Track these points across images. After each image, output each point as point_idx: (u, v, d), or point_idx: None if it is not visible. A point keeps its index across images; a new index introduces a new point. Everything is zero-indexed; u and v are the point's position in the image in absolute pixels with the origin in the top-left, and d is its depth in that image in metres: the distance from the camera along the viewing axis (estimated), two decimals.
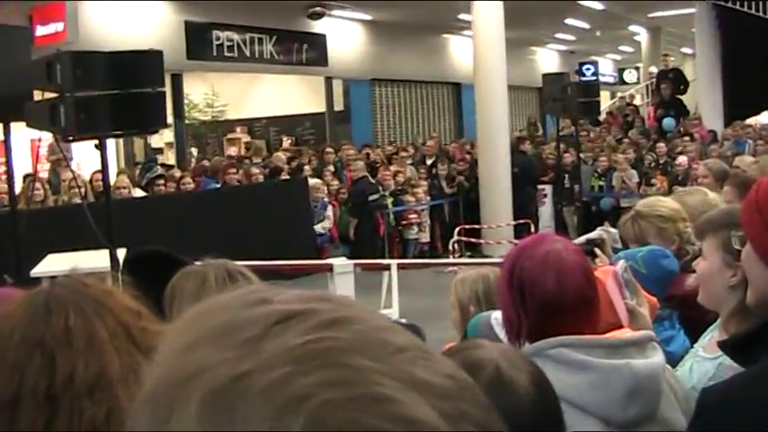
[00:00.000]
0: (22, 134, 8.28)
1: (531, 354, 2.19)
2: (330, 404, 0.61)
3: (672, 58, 23.34)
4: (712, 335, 2.87)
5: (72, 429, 1.51)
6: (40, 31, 14.44)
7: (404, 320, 2.80)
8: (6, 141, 6.98)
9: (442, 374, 0.66)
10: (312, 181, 14.66)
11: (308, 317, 0.67)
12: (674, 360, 2.91)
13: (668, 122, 18.80)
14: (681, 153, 15.91)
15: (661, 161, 16.36)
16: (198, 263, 2.86)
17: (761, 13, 18.13)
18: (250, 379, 0.63)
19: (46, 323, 1.63)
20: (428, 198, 16.54)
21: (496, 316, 3.05)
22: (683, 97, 20.60)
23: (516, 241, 14.77)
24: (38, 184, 11.02)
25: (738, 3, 18.15)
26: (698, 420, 1.94)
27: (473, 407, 0.67)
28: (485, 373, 1.67)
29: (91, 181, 11.88)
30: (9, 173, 7.29)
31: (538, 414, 1.69)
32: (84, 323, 1.63)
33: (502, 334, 2.40)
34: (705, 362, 2.79)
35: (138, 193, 12.93)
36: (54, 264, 8.27)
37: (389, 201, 15.53)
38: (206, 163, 16.95)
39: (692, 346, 3.08)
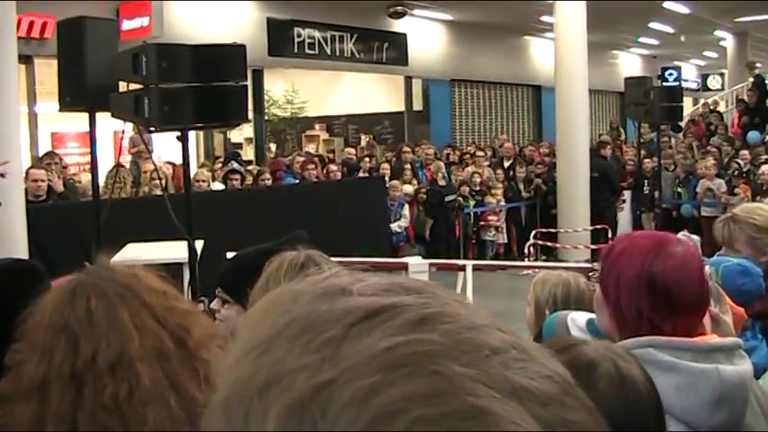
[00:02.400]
0: (105, 126, 8.42)
1: None
2: (423, 420, 0.56)
3: (759, 65, 22.83)
4: None
5: (96, 406, 1.56)
6: (126, 25, 14.69)
7: None
8: (92, 132, 7.10)
9: (541, 377, 0.62)
10: (392, 182, 14.71)
11: (392, 314, 0.62)
12: (756, 371, 2.83)
13: (753, 135, 18.37)
14: (765, 162, 15.54)
15: (745, 170, 16.02)
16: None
17: None
18: (333, 389, 0.58)
19: (70, 308, 1.69)
20: (504, 200, 16.44)
21: (573, 317, 3.00)
22: None
23: (593, 246, 14.69)
24: (121, 176, 11.23)
25: None
26: None
27: (576, 412, 0.62)
28: (603, 371, 1.65)
29: (173, 175, 12.07)
30: (93, 164, 7.42)
31: (655, 407, 1.67)
32: (106, 306, 1.69)
33: (579, 336, 2.35)
34: None
35: (217, 186, 13.07)
36: (133, 253, 8.41)
37: (471, 203, 15.48)
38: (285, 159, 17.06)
39: None
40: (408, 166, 15.87)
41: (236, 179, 13.20)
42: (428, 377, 0.58)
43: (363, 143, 22.78)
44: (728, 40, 28.51)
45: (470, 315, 0.65)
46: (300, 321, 0.64)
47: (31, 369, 1.65)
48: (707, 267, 2.69)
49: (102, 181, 9.59)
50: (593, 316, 2.98)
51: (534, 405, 0.59)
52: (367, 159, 16.34)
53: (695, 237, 4.11)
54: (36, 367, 1.65)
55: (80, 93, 6.80)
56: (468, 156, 17.46)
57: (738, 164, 16.24)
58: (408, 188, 14.99)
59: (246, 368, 0.63)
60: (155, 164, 10.35)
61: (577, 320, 2.94)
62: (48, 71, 12.65)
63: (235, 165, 14.03)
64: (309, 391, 0.58)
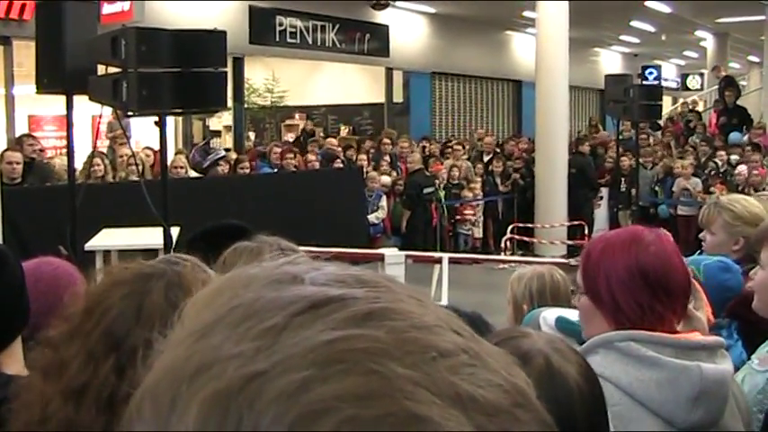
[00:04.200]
0: (83, 110, 8.36)
1: (599, 344, 2.14)
2: (353, 421, 0.52)
3: (737, 66, 22.97)
4: None
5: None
6: (107, 9, 14.57)
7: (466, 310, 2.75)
8: (68, 115, 7.05)
9: (491, 386, 0.58)
10: (371, 174, 14.70)
11: (338, 306, 0.59)
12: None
13: (735, 136, 18.47)
14: (741, 162, 15.64)
15: (722, 169, 16.11)
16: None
17: None
18: (263, 381, 0.55)
19: (132, 329, 1.65)
20: (482, 194, 16.47)
21: (545, 315, 3.00)
22: (747, 105, 20.27)
23: (570, 242, 14.75)
24: (98, 160, 11.15)
25: None
26: None
27: (527, 425, 0.59)
28: (534, 364, 1.64)
29: (154, 162, 12.02)
30: (69, 147, 7.37)
31: (587, 406, 1.66)
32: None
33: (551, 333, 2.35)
34: (756, 375, 2.75)
35: (193, 174, 13.02)
36: (108, 238, 8.37)
37: (442, 194, 15.49)
38: (261, 148, 17.04)
39: (749, 357, 3.02)
40: (387, 157, 15.87)
41: (224, 168, 13.23)
42: (365, 376, 0.54)
43: (344, 133, 22.76)
44: (709, 41, 28.64)
45: (422, 314, 0.61)
46: (245, 307, 0.61)
47: (76, 367, 1.64)
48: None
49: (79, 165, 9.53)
50: (563, 312, 2.98)
51: (479, 415, 0.56)
52: (352, 150, 16.32)
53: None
54: (79, 370, 1.63)
55: (58, 75, 6.75)
56: (449, 149, 17.46)
57: (716, 163, 16.33)
58: (386, 179, 14.99)
59: (182, 352, 0.60)
60: (131, 149, 10.30)
61: (548, 318, 2.95)
62: (26, 53, 12.54)
63: (223, 152, 14.01)
64: (239, 381, 0.55)
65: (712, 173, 16.03)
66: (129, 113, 6.71)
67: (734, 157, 16.15)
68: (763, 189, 12.46)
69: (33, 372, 1.73)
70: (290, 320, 0.58)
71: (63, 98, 6.93)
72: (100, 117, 7.48)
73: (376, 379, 0.54)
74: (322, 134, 21.36)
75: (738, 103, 20.12)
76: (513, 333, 1.86)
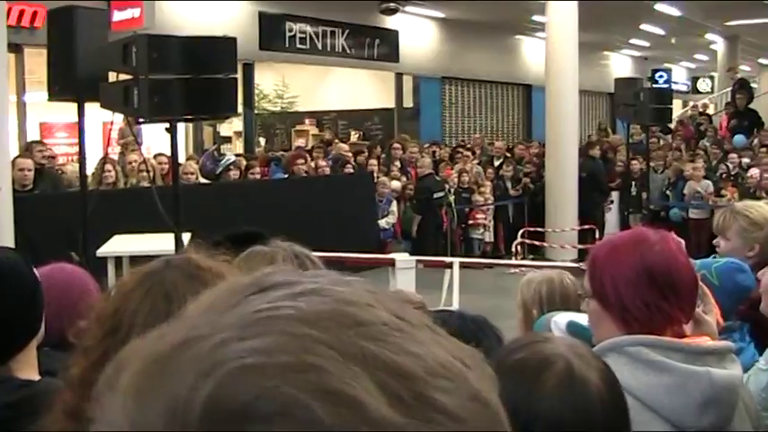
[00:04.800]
0: (94, 116, 8.40)
1: (609, 349, 2.14)
2: (247, 369, 0.58)
3: (747, 69, 22.91)
4: None
5: None
6: (117, 16, 14.59)
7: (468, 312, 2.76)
8: (80, 122, 7.09)
9: (407, 353, 0.61)
10: (381, 179, 14.70)
11: (283, 287, 0.66)
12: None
13: (739, 139, 18.44)
14: (753, 165, 15.61)
15: (733, 172, 16.08)
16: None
17: None
18: (194, 343, 0.61)
19: (166, 313, 1.67)
20: (493, 198, 16.46)
21: (556, 319, 2.99)
22: (758, 108, 20.21)
23: (581, 246, 14.72)
24: (109, 166, 11.19)
25: None
26: None
27: (450, 395, 0.61)
28: (555, 369, 1.63)
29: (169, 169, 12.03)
30: (81, 154, 7.40)
31: (607, 411, 1.65)
32: None
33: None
34: (761, 374, 2.76)
35: (202, 180, 13.04)
36: (119, 245, 8.40)
37: (452, 198, 15.48)
38: (275, 153, 17.05)
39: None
40: (398, 162, 15.87)
41: (235, 173, 13.26)
42: (274, 335, 0.60)
43: (354, 138, 22.78)
44: (719, 44, 28.56)
45: (358, 293, 0.66)
46: (217, 296, 0.68)
47: None
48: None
49: (90, 172, 9.56)
50: (574, 317, 2.98)
51: (382, 374, 0.59)
52: (364, 155, 16.30)
53: (681, 240, 4.14)
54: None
55: (69, 82, 6.79)
56: (459, 154, 17.46)
57: (727, 166, 16.30)
58: (396, 184, 14.98)
59: (154, 331, 0.66)
60: (143, 155, 10.33)
61: (559, 323, 2.94)
62: (37, 60, 12.59)
63: (233, 157, 14.02)
64: (178, 342, 0.62)
65: (723, 176, 16.00)
66: (141, 120, 6.74)
67: (746, 161, 16.12)
68: None
69: (67, 383, 1.74)
70: (243, 299, 0.65)
71: (74, 105, 6.96)
72: (111, 124, 7.51)
73: (284, 338, 0.60)
74: (335, 140, 21.38)
75: (749, 105, 20.09)
76: (535, 338, 1.87)
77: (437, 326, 0.68)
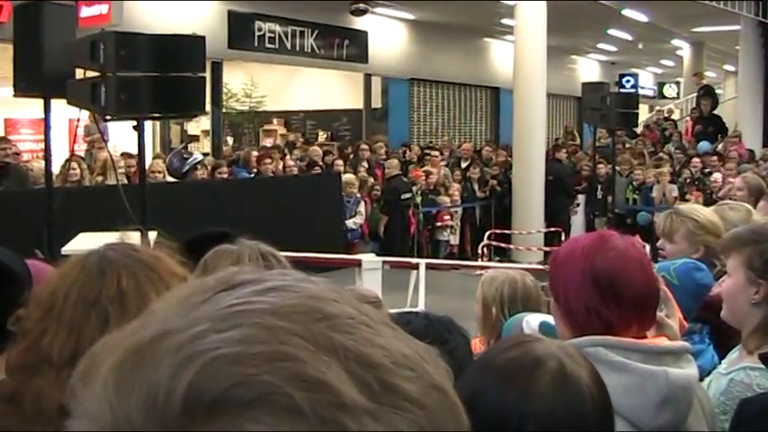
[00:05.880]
0: (60, 113, 8.34)
1: None
2: (226, 358, 0.60)
3: (712, 75, 23.14)
4: (739, 352, 2.86)
5: None
6: (85, 12, 14.51)
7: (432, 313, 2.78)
8: (46, 119, 7.03)
9: (373, 345, 0.65)
10: (346, 176, 14.68)
11: (252, 284, 0.68)
12: (701, 375, 2.89)
13: (703, 145, 18.64)
14: (716, 170, 15.78)
15: (696, 177, 16.24)
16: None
17: None
18: (170, 336, 0.63)
19: (100, 284, 1.69)
20: (460, 200, 16.50)
21: (528, 319, 3.02)
22: (723, 114, 20.45)
23: (547, 249, 14.80)
24: (74, 164, 11.10)
25: None
26: (740, 429, 1.93)
27: (412, 382, 0.64)
28: (547, 368, 1.65)
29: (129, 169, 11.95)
30: (47, 150, 7.35)
31: (598, 410, 1.68)
32: (136, 286, 1.71)
33: None
34: (721, 378, 2.80)
35: (169, 179, 12.98)
36: (85, 242, 8.33)
37: (419, 200, 15.50)
38: (239, 153, 17.00)
39: (720, 361, 3.06)
40: (365, 163, 15.88)
41: (202, 172, 13.20)
42: (249, 327, 0.63)
43: (322, 139, 22.78)
44: (685, 50, 28.84)
45: (323, 290, 0.69)
46: (186, 293, 0.70)
47: (58, 342, 1.67)
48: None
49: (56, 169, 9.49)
50: (546, 318, 3.01)
51: (352, 363, 0.62)
52: (332, 155, 16.31)
53: (646, 245, 4.20)
54: (65, 342, 1.66)
55: (36, 78, 6.73)
56: (427, 156, 17.50)
57: (690, 171, 16.47)
58: (349, 176, 14.85)
59: (127, 326, 0.69)
60: (109, 153, 10.27)
61: (531, 323, 2.97)
62: (3, 56, 12.47)
63: (200, 156, 13.97)
64: (153, 335, 0.64)
65: (687, 180, 16.16)
66: (108, 118, 6.70)
67: (701, 169, 16.30)
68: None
69: (7, 370, 1.74)
70: (212, 296, 0.67)
71: (40, 101, 6.91)
72: (77, 121, 7.46)
73: (258, 329, 0.63)
74: (301, 139, 21.38)
75: (714, 111, 20.31)
76: (525, 338, 1.88)
77: (395, 324, 0.71)
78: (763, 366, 2.67)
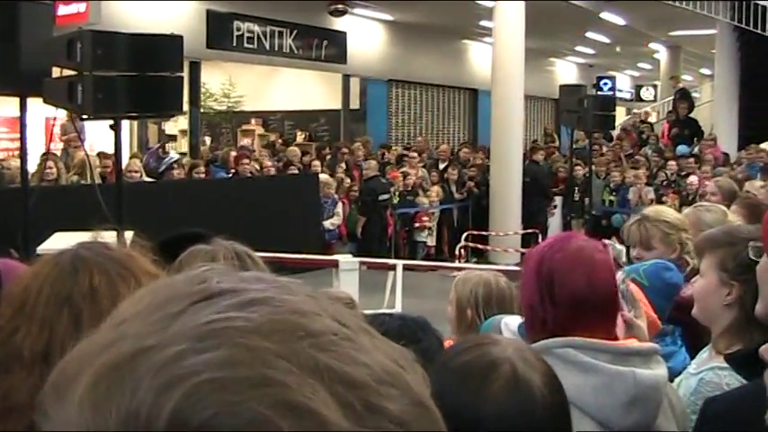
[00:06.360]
0: (37, 112, 8.29)
1: (539, 351, 2.19)
2: (210, 384, 0.59)
3: (689, 78, 23.29)
4: (709, 352, 2.89)
5: None
6: (63, 10, 14.44)
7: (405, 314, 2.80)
8: (22, 117, 7.00)
9: (357, 363, 0.64)
10: (323, 177, 14.68)
11: (230, 296, 0.66)
12: (672, 376, 2.92)
13: (682, 149, 18.76)
14: (692, 173, 15.88)
15: (672, 179, 16.34)
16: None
17: None
18: (147, 355, 0.61)
19: (73, 281, 1.70)
20: (438, 202, 16.52)
21: (507, 321, 3.04)
22: (699, 117, 20.59)
23: (523, 250, 14.83)
24: (51, 163, 11.05)
25: (760, 26, 18.10)
26: (703, 428, 1.95)
27: (395, 401, 0.64)
28: (501, 371, 1.67)
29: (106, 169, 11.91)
30: (23, 149, 7.31)
31: (550, 413, 1.70)
32: (108, 283, 1.71)
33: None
34: (691, 378, 2.83)
35: (147, 178, 12.94)
36: (60, 242, 8.29)
37: (396, 200, 15.51)
38: (217, 153, 16.98)
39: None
40: (344, 164, 15.89)
41: (179, 172, 13.17)
42: (231, 348, 0.61)
43: (300, 139, 22.77)
44: (662, 53, 29.02)
45: (304, 303, 0.68)
46: (157, 301, 0.67)
47: (30, 339, 1.67)
48: (619, 273, 2.77)
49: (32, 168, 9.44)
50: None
51: (336, 385, 0.61)
52: (309, 156, 16.31)
53: (619, 246, 4.23)
54: (37, 338, 1.66)
55: (12, 76, 6.68)
56: (405, 157, 17.52)
57: (665, 174, 16.56)
58: (324, 176, 14.83)
59: (97, 336, 0.67)
60: (86, 152, 10.23)
61: (510, 325, 2.99)
62: None
63: (176, 155, 13.93)
64: (129, 353, 0.62)
65: (664, 183, 16.26)
66: (85, 117, 6.67)
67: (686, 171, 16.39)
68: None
69: None
70: (188, 308, 0.65)
71: (17, 100, 6.87)
72: (54, 119, 7.43)
73: (241, 350, 0.61)
74: (280, 140, 21.37)
75: (690, 115, 20.45)
76: (483, 340, 1.89)
77: (371, 326, 0.71)
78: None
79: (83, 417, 0.61)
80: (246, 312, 0.64)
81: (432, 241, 16.34)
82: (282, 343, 0.62)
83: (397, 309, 9.14)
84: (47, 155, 11.36)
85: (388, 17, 22.86)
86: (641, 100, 32.03)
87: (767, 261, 2.22)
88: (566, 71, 32.84)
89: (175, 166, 13.37)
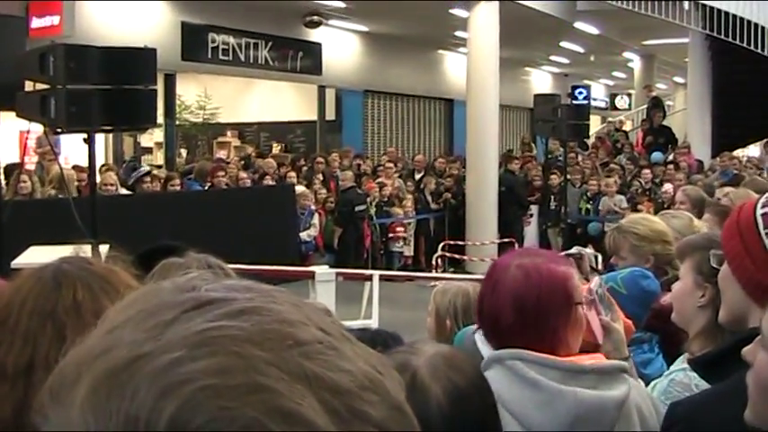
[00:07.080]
0: (10, 125, 8.25)
1: (493, 360, 2.21)
2: (206, 390, 0.62)
3: (663, 87, 23.44)
4: (683, 356, 2.91)
5: None
6: (36, 23, 14.39)
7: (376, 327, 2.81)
8: None
9: (341, 371, 0.67)
10: (299, 188, 14.67)
11: (221, 305, 0.69)
12: (648, 384, 2.94)
13: (656, 156, 18.89)
14: (667, 180, 15.98)
15: (647, 187, 16.44)
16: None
17: (753, 47, 18.24)
18: (145, 361, 0.64)
19: (56, 296, 1.70)
20: (414, 212, 16.54)
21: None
22: (673, 125, 20.73)
23: None
24: (24, 176, 10.98)
25: (731, 35, 18.26)
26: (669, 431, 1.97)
27: (373, 405, 0.68)
28: (404, 377, 1.68)
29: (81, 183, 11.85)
30: None
31: (448, 426, 1.70)
32: (92, 298, 1.72)
33: (484, 349, 2.40)
34: (664, 379, 2.85)
35: (124, 191, 12.89)
36: (35, 256, 8.23)
37: (373, 211, 15.53)
38: (192, 165, 16.91)
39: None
40: (320, 175, 15.88)
41: (149, 182, 13.11)
42: (226, 356, 0.64)
43: (276, 151, 22.72)
44: (636, 62, 29.20)
45: (291, 312, 0.71)
46: (149, 308, 0.70)
47: (13, 354, 1.67)
48: (596, 278, 2.79)
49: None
50: None
51: (323, 392, 0.65)
52: (285, 167, 16.28)
53: (589, 251, 4.25)
54: (20, 353, 1.66)
55: None
56: (381, 167, 17.54)
57: (640, 182, 16.67)
58: (300, 188, 14.83)
59: (91, 342, 0.70)
60: (60, 165, 10.17)
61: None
62: None
63: (147, 168, 13.87)
64: (126, 360, 0.65)
65: (638, 191, 16.35)
66: (58, 130, 6.65)
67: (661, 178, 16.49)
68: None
69: None
70: (180, 316, 0.68)
71: None
72: (28, 133, 7.40)
73: (235, 358, 0.64)
74: (254, 153, 21.31)
75: (664, 123, 20.60)
76: (406, 349, 1.92)
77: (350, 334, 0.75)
78: None
79: (84, 419, 0.64)
80: (238, 321, 0.67)
81: (408, 251, 16.36)
82: (273, 351, 0.66)
83: (374, 319, 9.15)
84: (21, 168, 11.28)
85: (364, 28, 22.88)
86: (616, 108, 32.18)
87: (727, 269, 2.25)
88: (541, 80, 32.97)
89: (146, 178, 13.31)
